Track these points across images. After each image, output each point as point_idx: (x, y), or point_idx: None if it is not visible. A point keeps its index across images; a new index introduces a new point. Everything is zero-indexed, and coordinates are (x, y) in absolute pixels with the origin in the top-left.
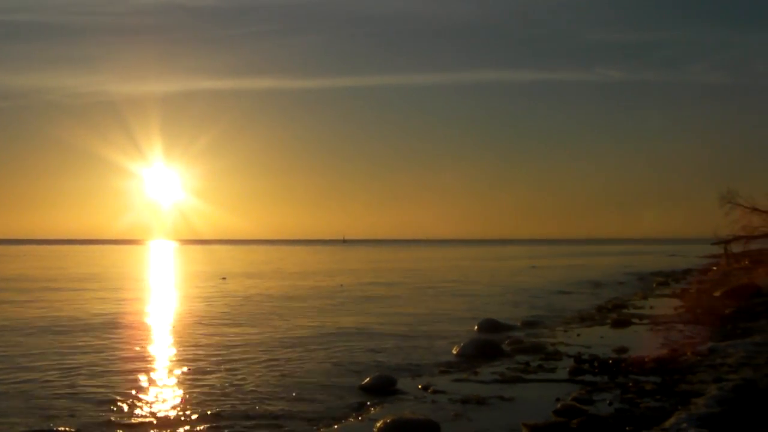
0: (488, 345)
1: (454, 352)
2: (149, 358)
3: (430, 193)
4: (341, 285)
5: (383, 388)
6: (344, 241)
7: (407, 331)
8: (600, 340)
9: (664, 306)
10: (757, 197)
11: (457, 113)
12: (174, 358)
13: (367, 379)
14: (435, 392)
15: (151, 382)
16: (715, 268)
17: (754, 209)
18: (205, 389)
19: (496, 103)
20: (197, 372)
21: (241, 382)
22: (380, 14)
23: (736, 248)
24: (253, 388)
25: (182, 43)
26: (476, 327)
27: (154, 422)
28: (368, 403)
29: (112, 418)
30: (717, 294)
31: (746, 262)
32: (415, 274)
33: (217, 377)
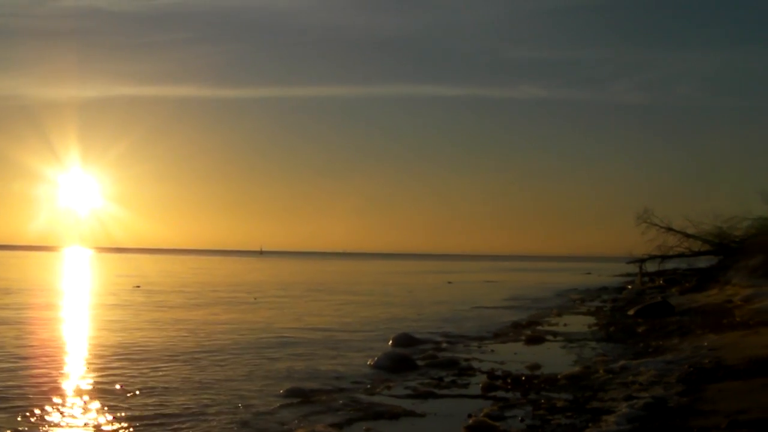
0: (402, 359)
1: (369, 364)
2: (46, 365)
3: (349, 206)
4: (255, 298)
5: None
6: (261, 252)
7: (322, 344)
8: (514, 356)
9: (579, 323)
10: (672, 217)
11: (378, 126)
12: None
13: (281, 391)
14: (348, 406)
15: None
16: (629, 286)
17: (669, 229)
18: (109, 399)
19: (418, 118)
20: (97, 385)
21: (148, 393)
22: (302, 24)
23: (650, 267)
24: (160, 405)
25: (102, 48)
26: (391, 341)
27: None
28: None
29: None
30: (631, 312)
31: (660, 281)
32: (331, 287)
33: (118, 390)
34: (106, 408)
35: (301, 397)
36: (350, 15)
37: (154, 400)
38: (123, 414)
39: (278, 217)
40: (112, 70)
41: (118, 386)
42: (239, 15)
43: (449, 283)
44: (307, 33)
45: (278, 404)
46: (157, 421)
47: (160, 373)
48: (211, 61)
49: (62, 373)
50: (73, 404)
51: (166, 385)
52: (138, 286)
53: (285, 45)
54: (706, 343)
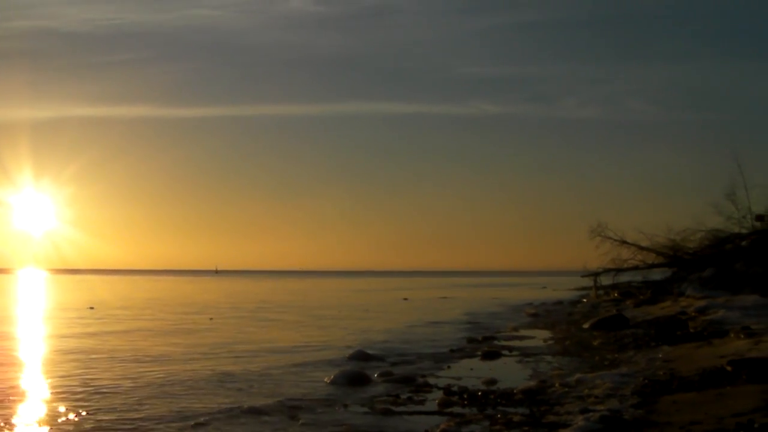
0: (359, 376)
1: (325, 382)
2: None
3: (304, 224)
4: (211, 318)
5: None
6: (217, 272)
7: (277, 363)
8: (470, 371)
9: (534, 337)
10: (626, 230)
11: (331, 144)
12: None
13: (241, 410)
14: (304, 424)
15: None
16: (584, 300)
17: (623, 242)
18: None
19: (371, 135)
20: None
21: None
22: (254, 44)
23: (605, 280)
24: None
25: (55, 69)
26: (348, 358)
27: None
28: None
29: None
30: (586, 326)
31: (615, 294)
32: (287, 306)
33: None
34: None
35: (256, 415)
36: (302, 34)
37: (118, 405)
38: None
39: (233, 236)
40: (66, 91)
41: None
42: (192, 35)
43: (405, 299)
44: (260, 52)
45: (234, 423)
46: None
47: (114, 389)
48: (164, 80)
49: None
50: None
51: (123, 393)
52: (92, 308)
53: (238, 64)
54: (660, 355)
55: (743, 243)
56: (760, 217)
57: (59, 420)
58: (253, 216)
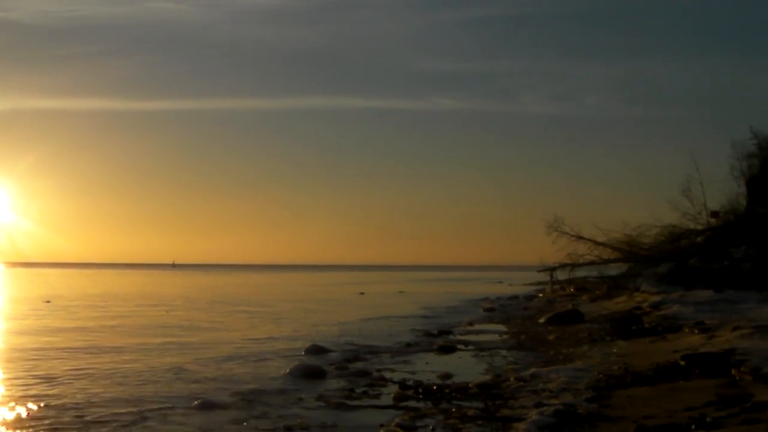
0: (314, 370)
1: (281, 374)
2: None
3: (262, 218)
4: (167, 311)
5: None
6: (174, 266)
7: (232, 356)
8: (425, 366)
9: (490, 332)
10: (582, 226)
11: (291, 138)
12: None
13: (195, 402)
14: (258, 417)
15: None
16: (540, 294)
17: (580, 237)
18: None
19: (330, 130)
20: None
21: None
22: (216, 37)
23: (561, 275)
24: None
25: (13, 60)
26: (303, 352)
27: None
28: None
29: None
30: (541, 320)
31: (571, 289)
32: (243, 299)
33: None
34: None
35: (210, 409)
36: (263, 27)
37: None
38: None
39: (191, 230)
40: (22, 83)
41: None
42: (151, 28)
43: (361, 294)
44: (219, 46)
45: (188, 416)
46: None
47: (67, 387)
48: (123, 73)
49: None
50: None
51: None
52: (48, 301)
53: (198, 57)
54: (615, 350)
55: (698, 239)
56: (715, 214)
57: (8, 410)
58: (210, 210)
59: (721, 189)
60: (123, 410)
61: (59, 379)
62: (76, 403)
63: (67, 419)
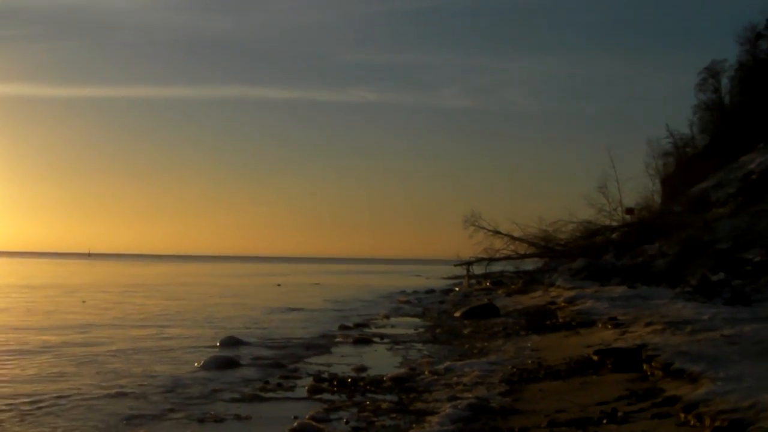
0: (229, 362)
1: (195, 367)
2: None
3: (181, 207)
4: (84, 301)
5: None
6: (90, 255)
7: (148, 346)
8: (341, 358)
9: (406, 325)
10: (499, 220)
11: (209, 128)
12: None
13: (108, 393)
14: (172, 410)
15: None
16: (457, 288)
17: (496, 232)
18: None
19: (249, 120)
20: None
21: None
22: (136, 24)
23: (478, 270)
24: None
25: None
26: (218, 343)
27: None
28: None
29: None
30: (457, 314)
31: (487, 284)
32: (160, 290)
33: None
34: None
35: (123, 399)
36: (183, 15)
37: None
38: None
39: (107, 219)
40: None
41: None
42: (73, 13)
43: (279, 285)
44: (141, 33)
45: (102, 407)
46: None
47: None
48: (43, 59)
49: None
50: None
51: None
52: None
53: (118, 44)
54: (529, 344)
55: (613, 235)
56: (629, 210)
57: None
58: (127, 199)
59: (637, 186)
60: (28, 401)
61: None
62: None
63: None
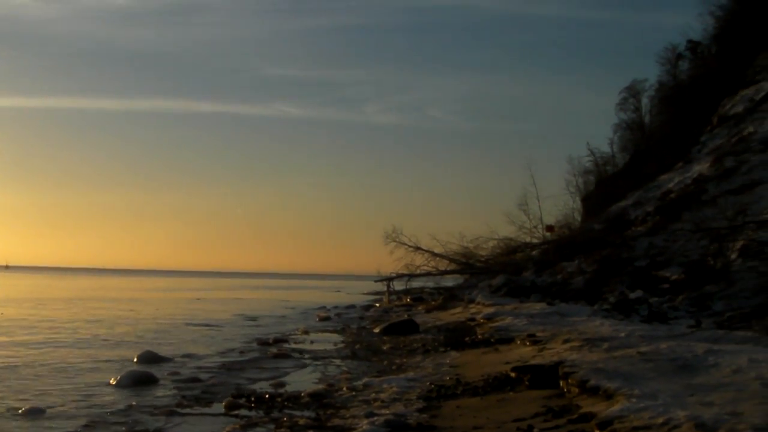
0: (145, 377)
1: (111, 383)
2: None
3: (101, 220)
4: (1, 313)
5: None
6: (7, 267)
7: (61, 362)
8: (259, 374)
9: (325, 341)
10: (420, 236)
11: (134, 140)
12: None
13: (20, 410)
14: (86, 426)
15: None
16: (377, 304)
17: (417, 248)
18: None
19: (174, 133)
20: None
21: None
22: (59, 34)
23: (398, 286)
24: None
25: None
26: (135, 359)
27: None
28: None
29: None
30: (377, 330)
31: (408, 300)
32: (77, 304)
33: None
34: None
35: (35, 417)
36: (109, 27)
37: None
38: None
39: (25, 230)
40: None
41: None
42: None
43: (198, 299)
44: (64, 43)
45: (13, 425)
46: None
47: None
48: None
49: None
50: None
51: None
52: None
53: (40, 54)
54: (448, 361)
55: (533, 252)
56: (549, 228)
57: None
58: (47, 210)
59: (557, 204)
60: None
61: None
62: None
63: None
